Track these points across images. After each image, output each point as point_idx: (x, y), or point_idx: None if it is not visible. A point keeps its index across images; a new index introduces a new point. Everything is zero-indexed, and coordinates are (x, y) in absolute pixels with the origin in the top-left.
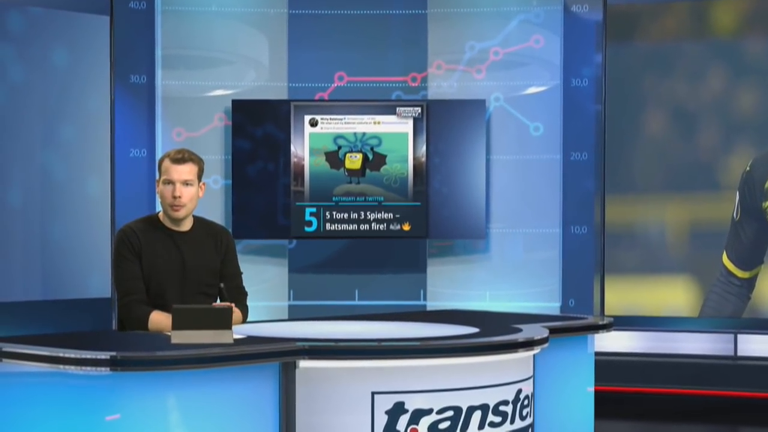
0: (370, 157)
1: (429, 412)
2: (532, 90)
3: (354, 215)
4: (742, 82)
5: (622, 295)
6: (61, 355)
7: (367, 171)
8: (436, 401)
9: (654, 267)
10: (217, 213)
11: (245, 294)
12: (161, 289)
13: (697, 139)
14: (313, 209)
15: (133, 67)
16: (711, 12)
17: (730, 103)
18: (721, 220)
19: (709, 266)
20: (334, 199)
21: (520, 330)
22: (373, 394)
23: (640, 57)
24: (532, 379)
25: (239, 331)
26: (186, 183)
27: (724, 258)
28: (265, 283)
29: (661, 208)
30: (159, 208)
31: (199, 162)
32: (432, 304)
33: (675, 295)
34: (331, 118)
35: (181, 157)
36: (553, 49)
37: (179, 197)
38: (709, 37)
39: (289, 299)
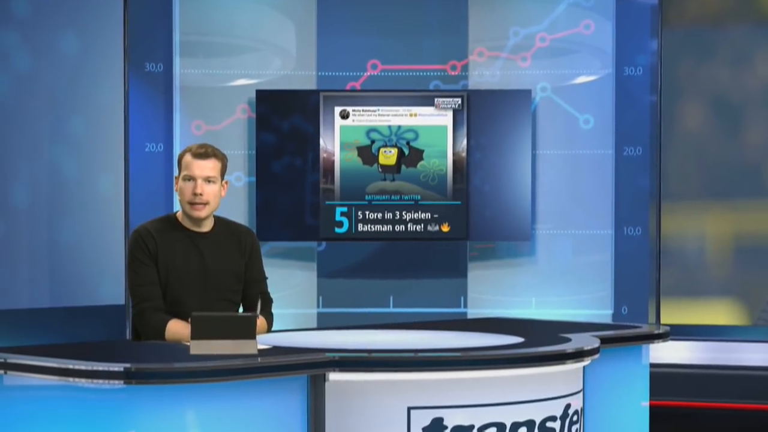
0: (406, 152)
1: (470, 428)
2: (581, 79)
3: (388, 215)
4: None
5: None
6: (71, 367)
7: (403, 167)
8: (478, 417)
9: (692, 288)
10: (240, 213)
11: (270, 301)
12: (179, 295)
13: (743, 136)
14: (344, 209)
15: (149, 54)
16: None
17: None
18: None
19: (758, 288)
20: (366, 197)
21: (568, 340)
22: (409, 409)
23: (675, 42)
24: (581, 393)
25: (264, 340)
26: (208, 180)
27: None
28: (292, 288)
29: (700, 219)
30: (177, 207)
31: (222, 158)
32: (473, 312)
33: (716, 322)
34: (363, 110)
35: (204, 151)
36: (605, 35)
37: (201, 194)
38: (756, 18)
39: (318, 306)
